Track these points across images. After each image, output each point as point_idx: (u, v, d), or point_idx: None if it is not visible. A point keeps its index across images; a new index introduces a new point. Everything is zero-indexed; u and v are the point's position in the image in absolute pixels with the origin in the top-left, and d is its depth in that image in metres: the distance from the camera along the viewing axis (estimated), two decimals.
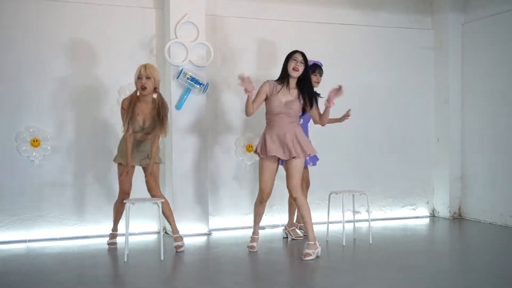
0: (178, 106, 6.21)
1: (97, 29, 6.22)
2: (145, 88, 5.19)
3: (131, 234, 6.03)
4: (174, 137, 6.18)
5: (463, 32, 7.35)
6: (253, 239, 5.48)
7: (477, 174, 7.18)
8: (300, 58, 5.18)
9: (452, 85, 7.37)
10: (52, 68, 6.06)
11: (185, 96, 6.22)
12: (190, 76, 6.16)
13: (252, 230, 5.54)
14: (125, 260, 4.98)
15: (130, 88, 6.26)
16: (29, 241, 5.93)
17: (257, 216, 5.47)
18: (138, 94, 5.31)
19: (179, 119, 6.23)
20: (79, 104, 6.16)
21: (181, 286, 4.45)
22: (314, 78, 5.80)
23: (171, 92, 6.20)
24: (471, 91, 7.26)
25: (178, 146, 6.21)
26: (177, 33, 6.19)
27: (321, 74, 5.93)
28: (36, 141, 5.94)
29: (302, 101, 5.22)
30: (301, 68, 5.17)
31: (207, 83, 6.28)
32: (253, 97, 5.18)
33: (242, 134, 6.67)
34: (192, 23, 6.25)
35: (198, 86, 6.20)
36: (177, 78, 6.15)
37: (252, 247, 5.41)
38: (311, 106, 5.26)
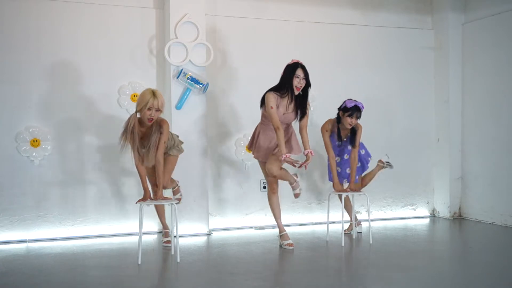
0: (178, 106, 6.21)
1: (97, 29, 6.22)
2: (152, 120, 4.98)
3: (131, 235, 6.05)
4: None
5: (463, 32, 7.35)
6: (285, 236, 5.60)
7: (477, 174, 7.18)
8: (302, 75, 5.34)
9: (452, 85, 7.37)
10: (52, 68, 6.05)
11: (185, 96, 6.22)
12: (190, 76, 6.16)
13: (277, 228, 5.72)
14: (139, 263, 4.94)
15: (130, 87, 6.28)
16: (29, 241, 5.93)
17: (276, 210, 5.65)
18: (137, 116, 5.03)
19: (179, 119, 6.23)
20: (79, 104, 6.16)
21: (181, 286, 4.45)
22: (348, 119, 5.79)
23: (171, 92, 6.20)
24: (471, 91, 7.26)
25: None
26: (177, 33, 6.19)
27: (358, 117, 5.82)
28: (36, 141, 5.94)
29: (296, 115, 5.45)
30: (302, 85, 5.36)
31: (207, 83, 6.28)
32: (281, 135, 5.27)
33: (242, 134, 6.66)
34: (192, 23, 6.25)
35: (198, 86, 6.20)
36: (177, 78, 6.15)
37: (290, 244, 5.52)
38: (301, 119, 5.46)
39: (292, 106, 5.38)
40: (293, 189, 5.59)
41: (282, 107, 5.34)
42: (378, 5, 7.37)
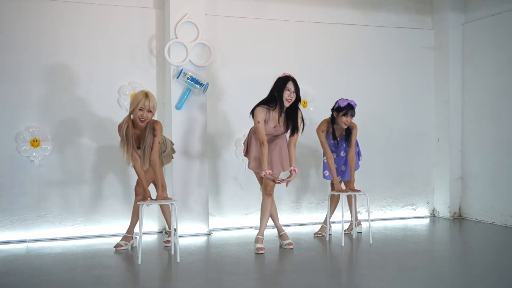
0: (178, 106, 6.21)
1: (97, 29, 6.22)
2: (145, 120, 5.04)
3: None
4: (174, 137, 6.18)
5: (463, 32, 7.35)
6: (284, 236, 5.61)
7: (477, 174, 7.18)
8: (292, 88, 5.26)
9: (452, 85, 7.37)
10: (52, 68, 6.05)
11: (185, 96, 6.21)
12: (190, 76, 6.16)
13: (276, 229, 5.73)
14: (139, 262, 4.94)
15: (130, 87, 6.28)
16: (29, 241, 5.93)
17: (271, 212, 5.59)
18: (131, 118, 5.12)
19: (179, 119, 6.23)
20: (79, 104, 6.16)
21: (180, 287, 4.45)
22: (343, 118, 5.79)
23: (171, 92, 6.20)
24: (471, 91, 7.26)
25: (178, 146, 6.20)
26: (177, 33, 6.19)
27: (353, 115, 5.82)
28: (36, 141, 5.94)
29: (286, 129, 5.37)
30: (293, 98, 5.28)
31: (207, 83, 6.28)
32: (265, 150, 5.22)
33: (242, 134, 6.66)
34: (192, 23, 6.25)
35: (198, 86, 6.20)
36: (177, 78, 6.15)
37: (290, 243, 5.53)
38: (292, 135, 5.38)
39: (282, 119, 5.32)
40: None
41: (272, 121, 5.29)
42: (378, 5, 7.37)
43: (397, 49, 7.44)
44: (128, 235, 5.56)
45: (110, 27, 6.27)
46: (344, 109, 5.79)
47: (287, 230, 5.81)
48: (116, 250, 5.47)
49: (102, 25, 6.24)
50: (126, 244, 5.53)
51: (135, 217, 5.49)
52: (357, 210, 6.99)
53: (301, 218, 6.93)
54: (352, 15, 7.24)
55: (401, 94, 7.46)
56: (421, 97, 7.56)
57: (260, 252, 5.32)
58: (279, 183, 5.23)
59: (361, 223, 6.38)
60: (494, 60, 6.93)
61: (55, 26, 6.07)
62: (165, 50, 6.18)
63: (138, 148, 5.21)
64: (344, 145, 6.03)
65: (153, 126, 5.15)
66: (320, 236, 6.16)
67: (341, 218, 5.85)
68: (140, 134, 5.17)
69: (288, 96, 5.25)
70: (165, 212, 5.67)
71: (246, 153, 5.60)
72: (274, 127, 5.33)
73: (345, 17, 7.20)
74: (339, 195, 6.02)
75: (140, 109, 5.00)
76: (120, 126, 5.17)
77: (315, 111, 6.95)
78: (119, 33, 6.30)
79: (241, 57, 6.72)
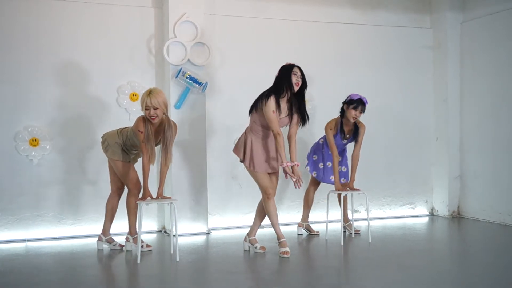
0: (177, 106, 6.21)
1: (96, 29, 6.23)
2: (155, 117, 5.01)
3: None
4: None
5: (461, 31, 7.36)
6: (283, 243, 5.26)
7: (476, 173, 7.19)
8: (299, 73, 5.17)
9: (451, 84, 7.38)
10: (51, 68, 6.06)
11: (184, 96, 6.22)
12: (189, 76, 6.16)
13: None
14: (138, 262, 4.93)
15: (129, 87, 6.29)
16: (28, 240, 5.93)
17: (275, 216, 5.29)
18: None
19: (178, 119, 6.23)
20: (78, 103, 6.16)
21: (179, 286, 4.45)
22: (352, 112, 5.76)
23: (170, 91, 6.21)
24: (470, 90, 7.27)
25: (177, 145, 6.20)
26: (176, 32, 6.20)
27: (362, 110, 5.79)
28: (35, 140, 5.95)
29: (291, 117, 5.20)
30: (300, 82, 5.17)
31: (206, 82, 6.28)
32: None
33: (241, 133, 6.65)
34: (191, 22, 6.25)
35: (197, 85, 6.21)
36: (176, 77, 6.16)
37: (286, 252, 5.17)
38: (298, 123, 5.23)
39: (287, 108, 5.16)
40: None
41: (279, 111, 5.12)
42: (377, 5, 7.38)
43: (396, 48, 7.45)
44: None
45: (110, 26, 6.28)
46: (355, 102, 5.78)
47: (286, 229, 5.79)
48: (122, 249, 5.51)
49: (101, 24, 6.25)
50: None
51: (110, 217, 5.52)
52: (356, 209, 7.01)
53: (300, 217, 6.92)
54: (352, 14, 7.24)
55: (400, 93, 7.47)
56: (420, 96, 7.57)
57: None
58: (295, 181, 5.00)
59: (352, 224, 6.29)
60: (492, 59, 6.94)
61: (54, 26, 6.07)
62: (164, 49, 6.19)
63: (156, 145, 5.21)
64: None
65: (170, 123, 5.15)
66: (315, 234, 6.19)
67: (340, 217, 5.86)
68: (155, 131, 5.16)
69: (296, 80, 5.14)
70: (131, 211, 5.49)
71: (244, 156, 5.29)
72: (280, 118, 5.14)
73: (345, 16, 7.20)
74: (313, 193, 6.21)
75: (146, 109, 5.00)
76: (137, 128, 5.06)
77: (314, 110, 6.96)
78: (118, 33, 6.30)
79: (240, 56, 6.72)
